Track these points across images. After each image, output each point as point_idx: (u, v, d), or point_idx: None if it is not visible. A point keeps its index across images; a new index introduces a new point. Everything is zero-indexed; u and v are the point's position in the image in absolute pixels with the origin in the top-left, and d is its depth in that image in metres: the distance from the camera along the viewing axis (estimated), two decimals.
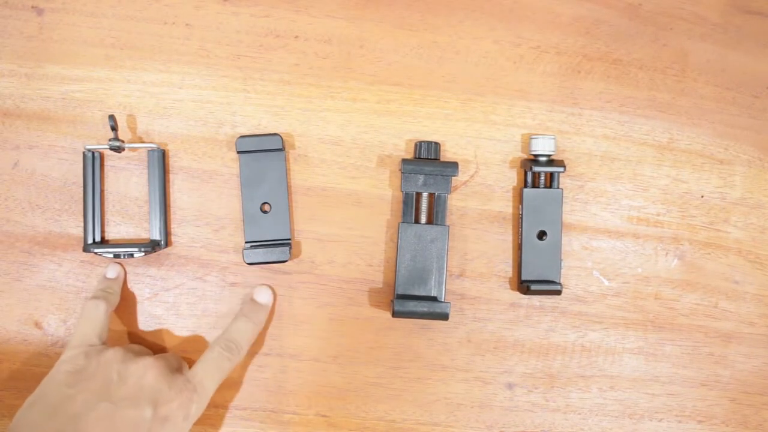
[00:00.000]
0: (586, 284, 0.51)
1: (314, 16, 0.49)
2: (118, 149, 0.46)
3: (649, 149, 0.51)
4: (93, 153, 0.47)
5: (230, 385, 0.48)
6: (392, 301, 0.46)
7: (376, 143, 0.49)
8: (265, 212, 0.48)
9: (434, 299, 0.47)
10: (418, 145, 0.48)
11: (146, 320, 0.48)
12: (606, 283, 0.51)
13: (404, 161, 0.47)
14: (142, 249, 0.46)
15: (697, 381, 0.51)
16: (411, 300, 0.46)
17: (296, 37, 0.49)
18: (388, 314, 0.49)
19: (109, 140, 0.46)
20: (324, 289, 0.49)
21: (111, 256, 0.46)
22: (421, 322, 0.49)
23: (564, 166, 0.49)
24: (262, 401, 0.48)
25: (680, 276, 0.51)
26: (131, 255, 0.46)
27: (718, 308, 0.51)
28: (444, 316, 0.46)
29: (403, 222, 0.47)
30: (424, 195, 0.48)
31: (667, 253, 0.51)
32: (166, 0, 0.48)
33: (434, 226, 0.47)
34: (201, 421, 0.47)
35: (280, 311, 0.48)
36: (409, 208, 0.48)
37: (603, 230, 0.51)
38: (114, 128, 0.45)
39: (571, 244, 0.50)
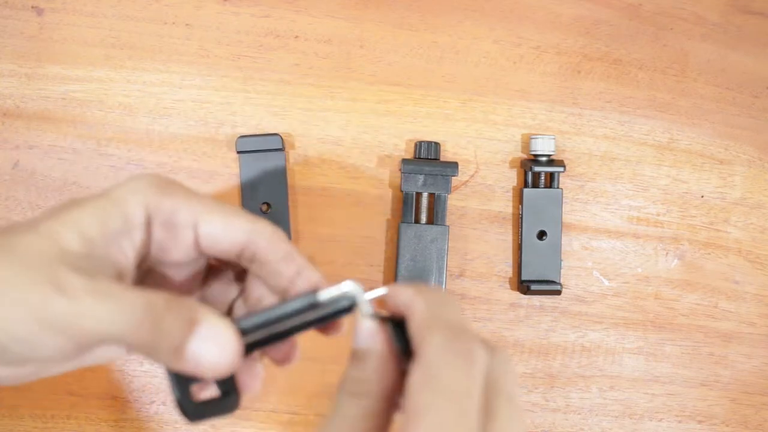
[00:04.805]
0: (586, 284, 0.51)
1: (314, 16, 0.49)
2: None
3: (649, 149, 0.51)
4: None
5: None
6: None
7: (376, 143, 0.49)
8: (264, 212, 0.48)
9: None
10: (418, 145, 0.48)
11: None
12: (606, 283, 0.51)
13: (404, 161, 0.47)
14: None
15: (697, 381, 0.51)
16: None
17: (296, 37, 0.49)
18: None
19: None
20: None
21: None
22: None
23: (564, 166, 0.49)
24: (262, 401, 0.48)
25: (680, 276, 0.51)
26: None
27: (718, 308, 0.51)
28: None
29: (403, 222, 0.47)
30: (424, 195, 0.48)
31: (667, 253, 0.51)
32: (166, 0, 0.48)
33: (434, 226, 0.47)
34: None
35: None
36: (409, 208, 0.48)
37: (603, 230, 0.51)
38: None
39: (571, 244, 0.50)
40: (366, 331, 0.27)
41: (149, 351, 0.25)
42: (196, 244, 0.29)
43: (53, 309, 0.25)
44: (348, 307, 0.28)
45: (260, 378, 0.30)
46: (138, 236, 0.28)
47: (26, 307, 0.25)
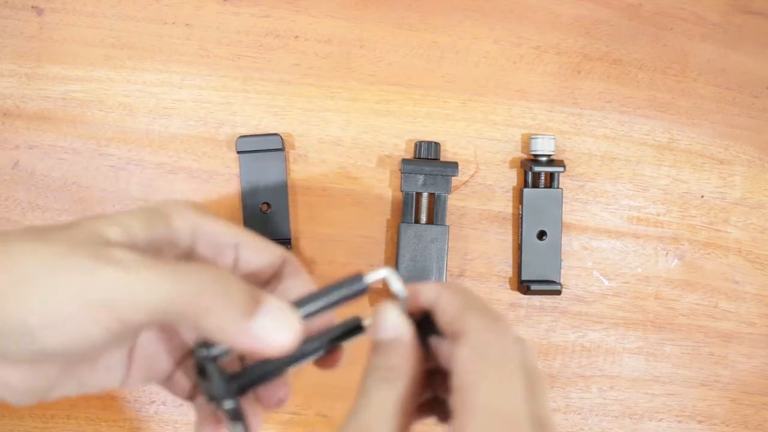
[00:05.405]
0: (586, 284, 0.51)
1: (314, 16, 0.49)
2: None
3: (649, 149, 0.51)
4: None
5: None
6: None
7: (376, 143, 0.49)
8: (264, 212, 0.48)
9: None
10: (418, 145, 0.48)
11: None
12: (606, 283, 0.51)
13: (404, 161, 0.47)
14: None
15: (697, 381, 0.51)
16: None
17: (296, 37, 0.49)
18: None
19: None
20: None
21: None
22: None
23: (564, 166, 0.49)
24: None
25: (680, 276, 0.51)
26: None
27: (718, 308, 0.51)
28: None
29: (403, 222, 0.47)
30: (424, 195, 0.48)
31: (667, 253, 0.51)
32: (166, 0, 0.48)
33: (434, 226, 0.47)
34: None
35: None
36: (409, 208, 0.48)
37: (603, 230, 0.51)
38: None
39: (571, 244, 0.50)
40: (393, 321, 0.27)
41: (211, 320, 0.24)
42: (235, 265, 0.30)
43: (100, 282, 0.23)
44: (356, 328, 0.29)
45: (261, 418, 0.31)
46: (182, 247, 0.28)
47: (67, 282, 0.23)
